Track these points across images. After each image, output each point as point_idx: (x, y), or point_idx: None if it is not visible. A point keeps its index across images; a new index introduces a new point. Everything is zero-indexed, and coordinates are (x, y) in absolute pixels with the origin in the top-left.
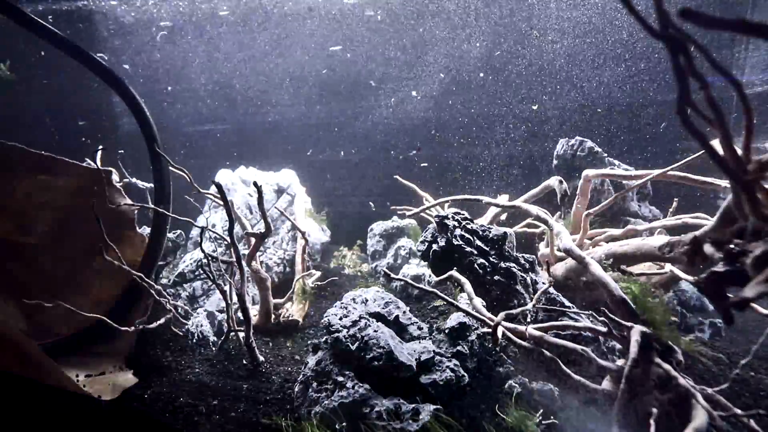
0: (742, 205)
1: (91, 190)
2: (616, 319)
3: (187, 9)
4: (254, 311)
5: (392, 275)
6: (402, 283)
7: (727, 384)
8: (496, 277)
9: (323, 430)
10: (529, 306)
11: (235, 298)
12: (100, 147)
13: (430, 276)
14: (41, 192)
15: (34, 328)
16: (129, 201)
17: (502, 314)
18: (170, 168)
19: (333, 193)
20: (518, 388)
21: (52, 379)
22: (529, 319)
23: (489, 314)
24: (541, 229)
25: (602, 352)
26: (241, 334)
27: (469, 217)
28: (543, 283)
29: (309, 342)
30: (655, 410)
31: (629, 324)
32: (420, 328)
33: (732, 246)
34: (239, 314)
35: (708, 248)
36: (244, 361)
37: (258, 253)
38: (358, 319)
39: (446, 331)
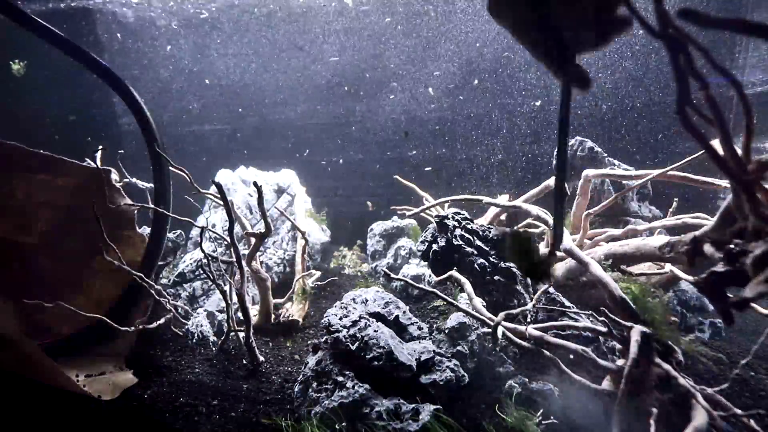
0: (742, 205)
1: (91, 189)
2: (616, 319)
3: (177, 9)
4: (254, 311)
5: (392, 275)
6: (402, 283)
7: (727, 384)
8: (496, 277)
9: (323, 430)
10: (529, 306)
11: (235, 298)
12: (100, 147)
13: (430, 276)
14: (41, 191)
15: (34, 328)
16: (129, 201)
17: (502, 314)
18: (170, 168)
19: (333, 193)
20: (518, 388)
21: (52, 379)
22: (529, 319)
23: (489, 314)
24: (541, 229)
25: (602, 352)
26: (241, 334)
27: (469, 217)
28: (543, 283)
29: (309, 342)
30: (655, 410)
31: (629, 324)
32: (420, 328)
33: (732, 246)
34: (239, 314)
35: (708, 248)
36: (244, 361)
37: (258, 253)
38: (358, 319)
39: (446, 331)
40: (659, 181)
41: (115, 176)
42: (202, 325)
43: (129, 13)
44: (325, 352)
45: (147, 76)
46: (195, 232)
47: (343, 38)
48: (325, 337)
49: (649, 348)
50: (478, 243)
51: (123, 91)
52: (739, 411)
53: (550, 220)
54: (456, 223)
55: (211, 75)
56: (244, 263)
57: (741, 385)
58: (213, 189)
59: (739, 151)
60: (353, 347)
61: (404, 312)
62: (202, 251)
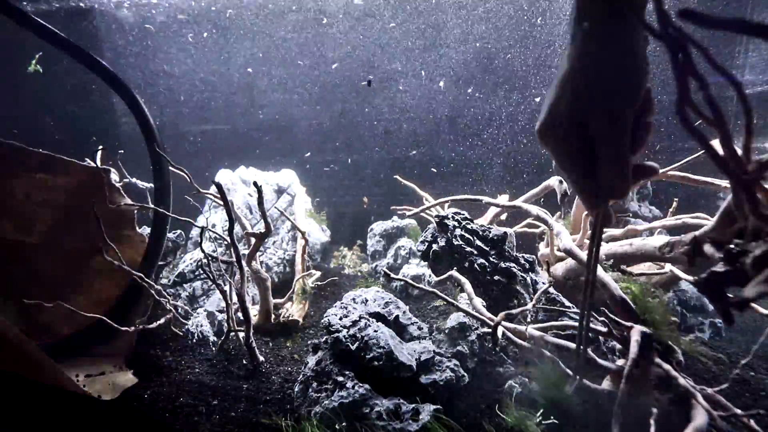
0: (742, 205)
1: (91, 189)
2: (616, 319)
3: (185, 6)
4: (254, 311)
5: (392, 275)
6: (402, 283)
7: (727, 384)
8: (496, 277)
9: (323, 430)
10: (529, 306)
11: (235, 298)
12: (100, 147)
13: (430, 276)
14: (41, 191)
15: (34, 328)
16: (129, 201)
17: (502, 314)
18: (170, 168)
19: (333, 193)
20: (518, 388)
21: (52, 379)
22: (529, 319)
23: (489, 314)
24: (541, 229)
25: (602, 352)
26: (241, 334)
27: (469, 217)
28: (543, 283)
29: (309, 342)
30: (655, 410)
31: (629, 324)
32: (420, 328)
33: (732, 246)
34: (239, 314)
35: (708, 248)
36: (244, 361)
37: (258, 253)
38: (358, 319)
39: (446, 331)
40: (659, 181)
41: (115, 176)
42: (202, 325)
43: (129, 12)
44: (325, 352)
45: (147, 76)
46: (195, 232)
47: (345, 38)
48: (325, 337)
49: (649, 348)
50: (478, 243)
51: (123, 90)
52: (739, 411)
53: (550, 220)
54: (456, 223)
55: (211, 75)
56: (244, 263)
57: (741, 385)
58: (213, 189)
59: (739, 151)
60: (353, 347)
61: (404, 312)
62: (202, 251)
